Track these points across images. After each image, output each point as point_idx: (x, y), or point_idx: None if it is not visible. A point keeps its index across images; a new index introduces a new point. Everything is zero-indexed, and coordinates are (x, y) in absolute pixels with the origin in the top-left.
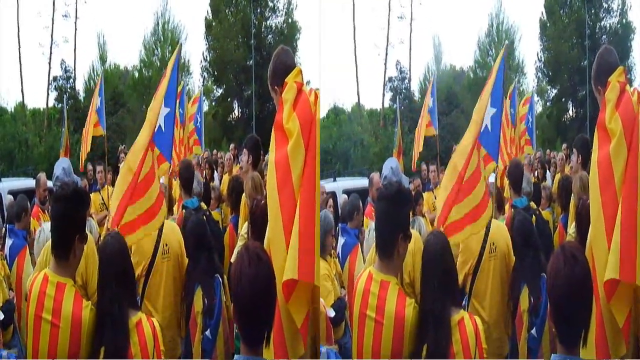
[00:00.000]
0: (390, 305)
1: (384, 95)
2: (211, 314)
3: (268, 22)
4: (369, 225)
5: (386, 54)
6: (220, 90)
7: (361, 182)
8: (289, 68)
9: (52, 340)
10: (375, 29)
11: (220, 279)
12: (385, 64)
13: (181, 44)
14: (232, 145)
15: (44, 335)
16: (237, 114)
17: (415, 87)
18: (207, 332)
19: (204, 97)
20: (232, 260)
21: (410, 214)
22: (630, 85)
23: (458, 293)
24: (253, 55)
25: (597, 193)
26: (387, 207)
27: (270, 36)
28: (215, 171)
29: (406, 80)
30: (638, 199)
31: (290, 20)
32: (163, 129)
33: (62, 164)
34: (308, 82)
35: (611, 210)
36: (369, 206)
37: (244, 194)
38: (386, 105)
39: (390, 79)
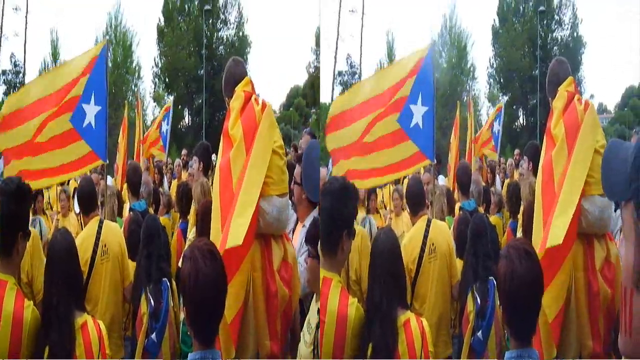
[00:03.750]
0: (332, 303)
1: (333, 89)
2: (157, 317)
3: (219, 33)
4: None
5: (336, 48)
6: (171, 97)
7: None
8: (238, 79)
9: None
10: (324, 22)
11: (168, 283)
12: (335, 57)
13: (107, 40)
14: (184, 151)
15: None
16: (187, 121)
17: None
18: (153, 336)
19: (154, 104)
20: (180, 263)
21: (361, 211)
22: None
23: (405, 293)
24: (204, 65)
25: (540, 196)
26: (331, 202)
27: (221, 47)
28: (164, 177)
29: (357, 75)
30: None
31: (241, 33)
32: (94, 126)
33: None
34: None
35: (550, 212)
36: None
37: (193, 200)
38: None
39: (340, 73)
